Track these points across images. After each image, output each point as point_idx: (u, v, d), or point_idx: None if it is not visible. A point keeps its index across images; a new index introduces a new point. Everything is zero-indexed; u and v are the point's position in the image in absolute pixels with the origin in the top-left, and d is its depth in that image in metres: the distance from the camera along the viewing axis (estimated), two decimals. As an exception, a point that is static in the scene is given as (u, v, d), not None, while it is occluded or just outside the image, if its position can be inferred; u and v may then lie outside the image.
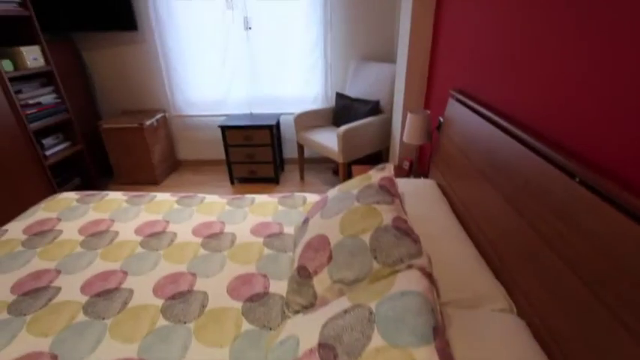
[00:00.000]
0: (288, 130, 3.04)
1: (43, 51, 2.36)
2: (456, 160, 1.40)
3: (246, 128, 2.67)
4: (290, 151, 3.16)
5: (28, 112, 2.24)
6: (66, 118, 2.54)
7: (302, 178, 2.93)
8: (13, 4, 2.18)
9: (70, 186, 2.64)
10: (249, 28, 2.70)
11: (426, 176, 1.89)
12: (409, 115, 1.75)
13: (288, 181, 2.94)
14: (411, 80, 2.02)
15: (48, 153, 2.42)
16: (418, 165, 2.13)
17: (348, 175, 2.61)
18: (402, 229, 0.92)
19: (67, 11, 2.65)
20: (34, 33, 2.32)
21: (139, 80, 3.01)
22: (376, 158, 2.72)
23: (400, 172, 2.10)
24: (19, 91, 2.20)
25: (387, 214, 0.98)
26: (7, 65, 2.13)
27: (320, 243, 0.99)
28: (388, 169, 1.25)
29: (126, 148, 2.85)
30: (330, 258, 0.93)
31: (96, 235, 1.34)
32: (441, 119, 1.67)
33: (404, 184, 1.50)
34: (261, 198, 1.60)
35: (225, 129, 2.70)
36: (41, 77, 2.41)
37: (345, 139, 2.27)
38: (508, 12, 1.16)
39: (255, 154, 2.76)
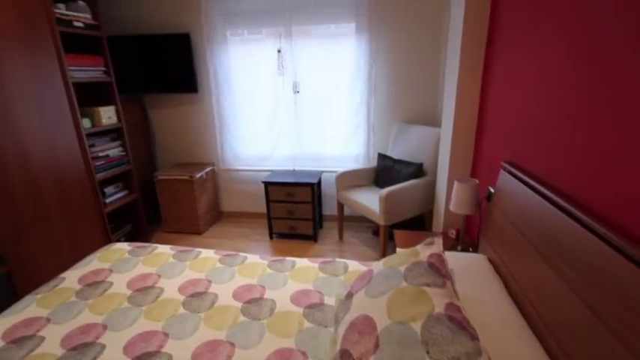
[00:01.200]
0: (328, 187, 3.08)
1: (117, 110, 2.67)
2: (510, 236, 1.32)
3: (288, 185, 2.75)
4: (330, 208, 3.17)
5: (97, 163, 2.49)
6: (127, 169, 2.78)
7: (341, 237, 2.89)
8: (100, 72, 2.53)
9: (122, 232, 2.81)
10: (297, 92, 2.90)
11: (475, 249, 1.78)
12: (456, 183, 1.71)
13: (327, 238, 2.91)
14: (456, 146, 2.01)
15: (108, 201, 2.62)
16: (466, 234, 2.03)
17: (390, 238, 2.54)
18: (457, 320, 0.85)
19: (140, 77, 3.03)
20: (112, 95, 2.65)
21: (193, 136, 3.28)
22: (419, 222, 2.65)
23: (446, 240, 2.01)
24: (92, 145, 2.46)
25: (438, 300, 0.92)
26: (87, 123, 2.42)
27: (365, 325, 0.94)
28: (437, 245, 1.20)
29: (175, 198, 3.02)
30: (376, 345, 0.87)
31: (142, 291, 1.38)
32: (491, 189, 1.61)
33: (453, 259, 1.42)
34: (301, 262, 1.58)
35: (268, 185, 2.79)
36: (112, 133, 2.70)
37: (387, 202, 2.24)
38: (568, 74, 1.14)
39: (295, 210, 2.79)
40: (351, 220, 3.15)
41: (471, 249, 1.83)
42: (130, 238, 2.86)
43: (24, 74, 1.91)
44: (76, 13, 2.34)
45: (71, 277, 1.49)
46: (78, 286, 1.41)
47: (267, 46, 2.85)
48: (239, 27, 2.88)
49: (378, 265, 1.22)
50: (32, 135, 1.96)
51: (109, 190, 2.66)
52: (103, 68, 2.55)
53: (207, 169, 3.15)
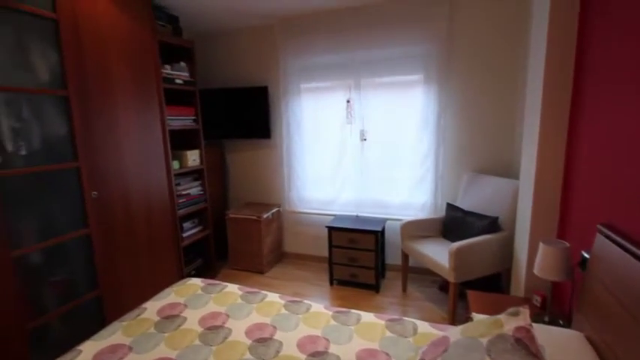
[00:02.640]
0: (392, 235, 2.99)
1: (200, 154, 2.98)
2: (616, 315, 1.13)
3: (352, 231, 2.73)
4: (393, 257, 3.05)
5: (180, 200, 2.75)
6: (204, 207, 3.03)
7: (404, 290, 2.73)
8: (190, 121, 2.89)
9: (193, 266, 3.00)
10: (364, 140, 2.97)
11: (567, 322, 1.55)
12: (542, 245, 1.55)
13: (390, 290, 2.78)
14: (539, 203, 1.84)
15: (185, 235, 2.85)
16: (553, 303, 1.78)
17: (461, 298, 2.34)
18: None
19: (222, 124, 3.38)
20: (198, 140, 2.98)
21: (263, 178, 3.49)
22: (494, 282, 2.41)
23: (530, 307, 1.78)
24: (177, 184, 2.75)
25: (532, 385, 0.80)
26: (176, 164, 2.72)
27: (444, 403, 0.85)
28: (524, 316, 1.07)
29: (243, 236, 3.17)
30: None
31: (212, 329, 1.43)
32: (586, 255, 1.42)
33: (541, 333, 1.25)
34: (367, 317, 1.52)
35: (331, 229, 2.81)
36: (194, 173, 3.00)
37: (458, 257, 2.10)
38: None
39: (358, 257, 2.74)
40: (416, 272, 2.98)
41: (561, 322, 1.59)
42: (199, 271, 3.04)
43: (134, 121, 2.26)
44: (177, 72, 2.74)
45: (151, 308, 1.61)
46: (156, 318, 1.52)
47: (337, 96, 3.01)
48: (312, 80, 3.11)
49: (454, 333, 1.12)
50: (133, 173, 2.26)
51: (186, 225, 2.90)
52: (193, 117, 2.91)
53: (274, 210, 3.29)
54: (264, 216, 3.10)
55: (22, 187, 1.70)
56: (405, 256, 2.67)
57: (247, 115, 3.30)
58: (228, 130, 3.40)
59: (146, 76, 2.36)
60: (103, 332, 1.45)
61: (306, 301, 1.65)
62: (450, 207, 2.61)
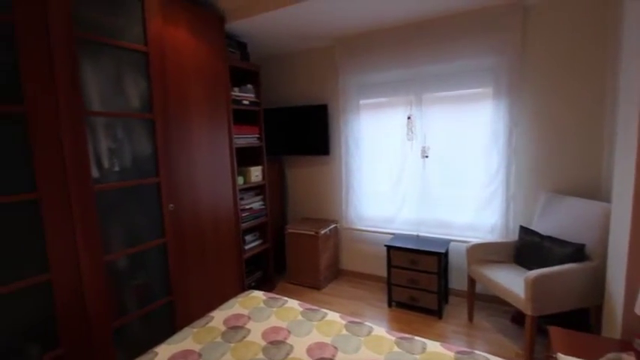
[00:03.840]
0: (457, 258, 2.81)
1: (263, 170, 3.12)
2: None
3: (413, 252, 2.62)
4: (457, 282, 2.86)
5: (243, 214, 2.89)
6: (264, 221, 3.14)
7: (471, 318, 2.53)
8: (254, 139, 3.05)
9: (253, 278, 3.10)
10: (426, 157, 2.86)
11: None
12: (646, 279, 1.33)
13: (453, 318, 2.59)
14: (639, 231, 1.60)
15: (246, 247, 2.97)
16: (660, 348, 1.51)
17: (539, 333, 2.09)
18: None
19: (283, 141, 3.52)
20: (261, 157, 3.13)
21: (321, 194, 3.53)
22: (580, 318, 2.12)
23: (635, 354, 1.52)
24: (241, 199, 2.89)
25: None
26: (240, 180, 2.88)
27: None
28: (630, 364, 0.92)
29: (301, 251, 3.22)
30: None
31: (275, 344, 1.45)
32: None
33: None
34: (433, 347, 1.42)
35: (390, 249, 2.72)
36: (257, 189, 3.14)
37: (536, 287, 1.89)
38: None
39: (418, 280, 2.61)
40: (484, 300, 2.74)
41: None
42: (259, 283, 3.13)
43: (206, 139, 2.44)
44: (244, 94, 2.93)
45: (218, 318, 1.68)
46: (223, 327, 1.59)
47: (397, 112, 2.97)
48: (371, 96, 3.12)
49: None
50: (203, 187, 2.43)
51: (248, 238, 3.03)
52: (257, 135, 3.07)
53: (331, 227, 3.29)
54: (322, 232, 3.12)
55: (113, 200, 1.91)
56: (472, 282, 2.48)
57: (307, 133, 3.39)
58: (288, 147, 3.52)
59: (217, 99, 2.55)
60: (176, 337, 1.55)
61: (367, 323, 1.60)
62: (524, 230, 2.39)
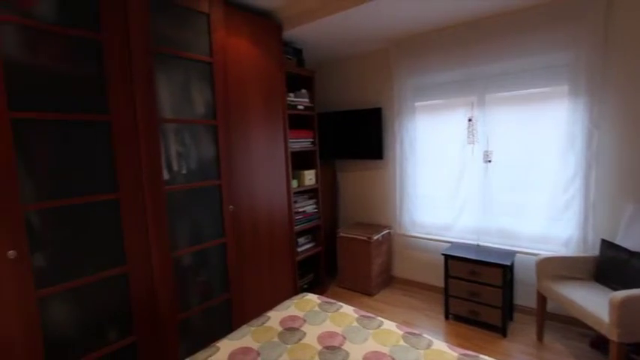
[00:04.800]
0: (524, 272, 2.58)
1: (316, 174, 3.15)
2: None
3: (473, 262, 2.46)
4: (524, 298, 2.62)
5: (297, 217, 2.94)
6: (317, 224, 3.17)
7: (540, 338, 2.30)
8: (308, 143, 3.09)
9: (305, 280, 3.14)
10: (489, 161, 2.68)
11: None
12: None
13: (520, 336, 2.38)
14: None
15: (299, 250, 3.01)
16: None
17: (626, 362, 1.84)
18: None
19: (336, 145, 3.52)
20: (314, 161, 3.16)
21: (374, 198, 3.47)
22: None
23: None
24: (295, 202, 2.95)
25: None
26: (295, 183, 2.93)
27: None
28: None
29: (352, 256, 3.19)
30: None
31: (330, 349, 1.44)
32: None
33: None
34: (502, 367, 1.31)
35: (448, 258, 2.58)
36: (310, 192, 3.18)
37: (624, 310, 1.66)
38: None
39: (480, 293, 2.44)
40: (556, 320, 2.48)
41: None
42: (310, 286, 3.16)
43: (263, 144, 2.53)
44: (299, 99, 2.99)
45: (274, 318, 1.72)
46: (280, 328, 1.62)
47: (457, 114, 2.82)
48: (427, 98, 3.00)
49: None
50: (260, 190, 2.51)
51: (301, 240, 3.07)
52: (311, 139, 3.11)
53: (384, 232, 3.22)
54: (375, 237, 3.06)
55: (180, 200, 2.05)
56: (542, 299, 2.25)
57: (360, 136, 3.36)
58: (340, 151, 3.52)
59: (274, 105, 2.63)
60: (235, 334, 1.61)
61: (425, 335, 1.53)
62: (608, 245, 2.12)
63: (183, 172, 2.06)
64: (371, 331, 1.57)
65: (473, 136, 2.71)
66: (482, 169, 2.71)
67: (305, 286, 3.10)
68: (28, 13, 1.45)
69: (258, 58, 2.47)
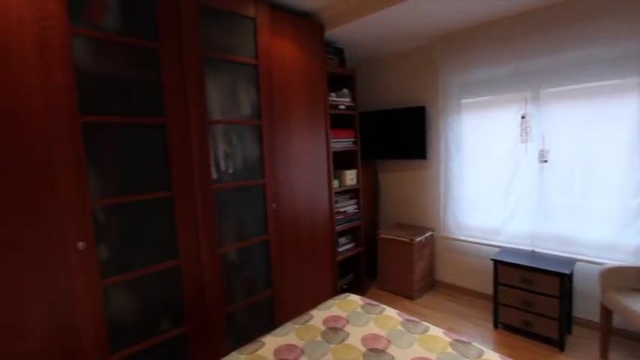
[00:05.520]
0: (584, 282, 2.37)
1: (357, 174, 3.13)
2: None
3: (527, 269, 2.31)
4: (584, 310, 2.40)
5: (338, 217, 2.93)
6: (358, 224, 3.14)
7: (604, 355, 2.10)
8: (350, 143, 3.08)
9: (345, 280, 3.12)
10: (545, 161, 2.49)
11: None
12: None
13: (580, 351, 2.19)
14: None
15: (339, 250, 3.00)
16: None
17: None
18: None
19: (377, 145, 3.47)
20: (355, 161, 3.14)
21: (416, 199, 3.37)
22: None
23: None
24: (336, 201, 2.94)
25: None
26: (336, 183, 2.93)
27: None
28: None
29: (393, 257, 3.12)
30: None
31: (375, 352, 1.42)
32: None
33: None
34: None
35: (498, 263, 2.44)
36: (351, 192, 3.16)
37: None
38: None
39: (534, 302, 2.28)
40: (623, 336, 2.25)
41: None
42: (350, 287, 3.14)
43: (305, 144, 2.55)
44: (341, 99, 2.98)
45: (317, 317, 1.73)
46: (323, 327, 1.62)
47: (508, 111, 2.66)
48: (475, 95, 2.86)
49: None
50: (302, 190, 2.54)
51: (341, 240, 3.06)
52: (352, 139, 3.09)
53: (427, 234, 3.12)
54: (417, 239, 2.97)
55: (226, 198, 2.12)
56: (607, 312, 2.06)
57: (403, 136, 3.29)
58: (382, 151, 3.46)
59: (316, 105, 2.65)
60: (280, 330, 1.64)
61: (475, 345, 1.45)
62: (688, 254, 1.89)
63: (230, 171, 2.13)
64: (416, 335, 1.52)
65: (526, 134, 2.54)
66: (536, 169, 2.53)
67: (344, 287, 3.09)
68: (97, 26, 1.58)
69: (301, 59, 2.50)
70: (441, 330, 1.57)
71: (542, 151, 2.49)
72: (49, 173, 1.42)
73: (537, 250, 2.55)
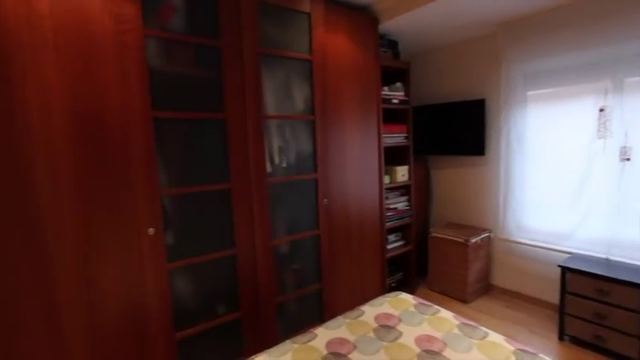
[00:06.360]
0: (671, 296, 2.09)
1: (409, 170, 3.03)
2: None
3: (601, 279, 2.08)
4: (670, 328, 2.12)
5: (388, 214, 2.87)
6: (408, 222, 3.06)
7: (698, 382, 1.84)
8: (402, 138, 2.99)
9: (393, 278, 3.06)
10: (627, 159, 2.22)
11: None
12: None
13: (665, 374, 1.94)
14: None
15: (388, 247, 2.95)
16: None
17: None
18: None
19: (430, 140, 3.34)
20: (407, 156, 3.05)
21: (471, 198, 3.20)
22: None
23: None
24: (386, 198, 2.88)
25: None
26: (387, 179, 2.87)
27: None
28: None
29: (445, 258, 3.00)
30: None
31: (430, 354, 1.37)
32: None
33: None
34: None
35: (567, 270, 2.24)
36: (402, 189, 3.08)
37: None
38: None
39: (608, 315, 2.06)
40: None
41: None
42: (398, 285, 3.07)
43: (357, 139, 2.52)
44: (394, 93, 2.91)
45: (368, 313, 1.71)
46: (375, 324, 1.60)
47: (582, 104, 2.41)
48: (543, 86, 2.63)
49: None
50: (352, 185, 2.52)
51: (390, 238, 3.00)
52: (405, 134, 3.00)
53: (483, 235, 2.95)
54: (473, 240, 2.82)
55: (280, 192, 2.18)
56: (703, 333, 1.79)
57: (459, 131, 3.13)
58: (435, 147, 3.33)
59: (369, 99, 2.60)
60: (331, 323, 1.65)
61: (542, 356, 1.34)
62: None
63: (284, 165, 2.18)
64: (475, 341, 1.45)
65: (605, 128, 2.28)
66: (616, 168, 2.26)
67: (393, 285, 3.03)
68: (166, 27, 1.69)
69: (355, 52, 2.47)
70: (502, 337, 1.47)
71: (624, 148, 2.22)
72: (125, 165, 1.55)
73: (612, 258, 2.29)
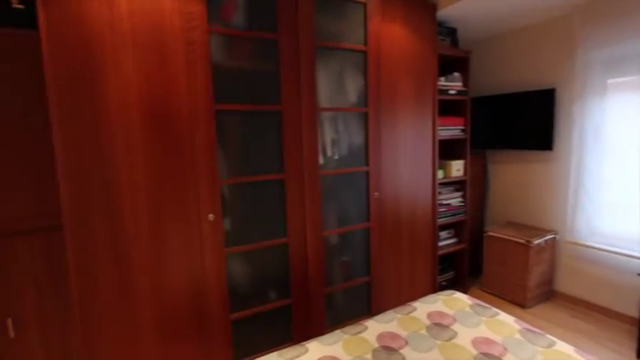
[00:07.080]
0: None
1: (465, 164, 2.88)
2: None
3: (694, 292, 1.83)
4: None
5: (440, 209, 2.76)
6: (462, 219, 2.92)
7: None
8: (458, 131, 2.84)
9: (445, 277, 2.95)
10: None
11: None
12: None
13: None
14: None
15: (440, 244, 2.84)
16: None
17: None
18: None
19: (489, 133, 3.13)
20: (464, 150, 2.89)
21: (534, 196, 2.96)
22: None
23: None
24: (439, 193, 2.77)
25: None
26: (440, 173, 2.75)
27: None
28: None
29: (503, 259, 2.82)
30: None
31: (489, 357, 1.31)
32: None
33: None
34: None
35: (649, 280, 1.99)
36: (456, 184, 2.94)
37: None
38: None
39: (702, 334, 1.81)
40: None
41: None
42: (449, 284, 2.96)
43: (410, 131, 2.44)
44: (451, 84, 2.76)
45: (420, 310, 1.67)
46: (427, 322, 1.56)
47: (678, 93, 2.10)
48: (627, 73, 2.33)
49: None
50: (404, 178, 2.45)
51: (442, 235, 2.89)
52: (461, 127, 2.85)
53: (547, 237, 2.72)
54: (536, 242, 2.62)
55: (331, 184, 2.19)
56: None
57: (523, 123, 2.90)
58: (495, 140, 3.12)
59: (424, 90, 2.50)
60: (382, 317, 1.64)
61: (620, 372, 1.22)
62: None
63: (336, 157, 2.19)
64: (540, 349, 1.35)
65: None
66: None
67: (444, 284, 2.93)
68: (228, 24, 1.76)
69: (411, 41, 2.38)
70: (572, 348, 1.35)
71: None
72: (190, 155, 1.66)
73: None
